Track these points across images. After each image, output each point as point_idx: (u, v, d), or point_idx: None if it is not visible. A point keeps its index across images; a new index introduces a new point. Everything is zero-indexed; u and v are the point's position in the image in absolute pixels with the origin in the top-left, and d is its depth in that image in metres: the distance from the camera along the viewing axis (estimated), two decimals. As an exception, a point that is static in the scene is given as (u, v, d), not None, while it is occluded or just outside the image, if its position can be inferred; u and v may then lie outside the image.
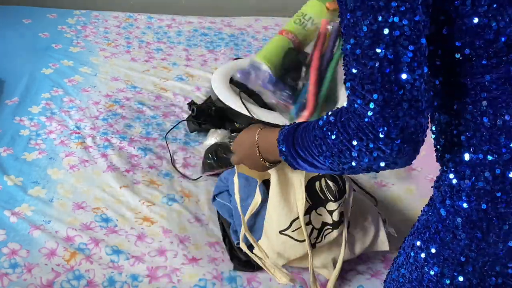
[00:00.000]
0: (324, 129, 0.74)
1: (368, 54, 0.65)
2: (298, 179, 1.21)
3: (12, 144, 1.69)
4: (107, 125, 1.83)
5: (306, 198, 1.21)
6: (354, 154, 0.70)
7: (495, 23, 0.67)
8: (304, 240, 1.22)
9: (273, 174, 1.21)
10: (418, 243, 0.80)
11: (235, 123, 1.82)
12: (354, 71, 0.67)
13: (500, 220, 0.71)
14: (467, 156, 0.72)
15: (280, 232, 1.24)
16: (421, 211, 0.85)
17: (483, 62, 0.69)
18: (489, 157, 0.70)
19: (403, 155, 0.68)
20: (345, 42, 0.68)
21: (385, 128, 0.65)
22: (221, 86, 1.91)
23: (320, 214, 1.26)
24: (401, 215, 1.55)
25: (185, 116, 1.91)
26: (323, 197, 1.26)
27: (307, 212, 1.24)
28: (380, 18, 0.63)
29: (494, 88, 0.69)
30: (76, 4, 2.87)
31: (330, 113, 0.75)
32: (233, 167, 1.48)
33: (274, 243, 1.25)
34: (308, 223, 1.24)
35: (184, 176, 1.63)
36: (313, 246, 1.24)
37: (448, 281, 0.76)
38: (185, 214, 1.47)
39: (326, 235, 1.26)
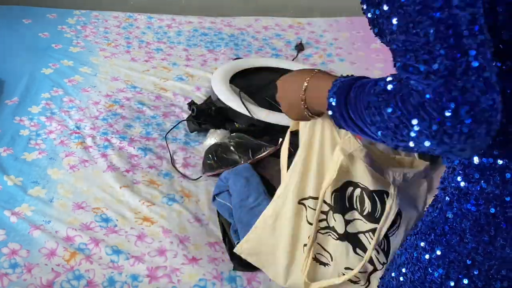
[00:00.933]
0: (380, 98, 0.63)
1: (420, 20, 0.57)
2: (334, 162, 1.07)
3: (12, 144, 1.69)
4: (107, 125, 1.83)
5: (333, 194, 1.08)
6: (413, 134, 0.59)
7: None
8: (311, 223, 1.11)
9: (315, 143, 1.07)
10: (422, 244, 0.80)
11: (235, 123, 1.82)
12: (404, 46, 0.59)
13: (508, 224, 0.71)
14: (476, 160, 0.71)
15: (299, 201, 1.12)
16: (425, 211, 0.85)
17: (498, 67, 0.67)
18: (499, 162, 0.70)
19: (474, 139, 0.56)
20: (388, 19, 0.60)
21: (452, 104, 0.55)
22: (221, 86, 1.91)
23: (335, 219, 1.11)
24: (401, 215, 1.55)
25: (185, 116, 1.91)
26: (347, 205, 1.10)
27: (330, 207, 1.10)
28: None
29: (509, 92, 0.68)
30: (76, 4, 2.87)
31: (389, 77, 0.64)
32: (233, 166, 1.47)
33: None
34: (325, 212, 1.11)
35: (184, 176, 1.63)
36: (316, 231, 1.12)
37: (452, 283, 0.76)
38: (185, 214, 1.47)
39: (329, 234, 1.13)
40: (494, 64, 0.59)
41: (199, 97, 2.05)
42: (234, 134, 1.72)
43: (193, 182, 1.61)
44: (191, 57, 2.39)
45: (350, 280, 1.12)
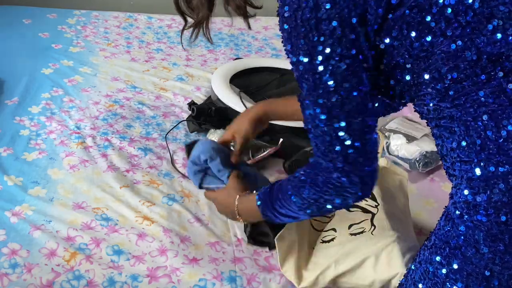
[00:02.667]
0: (298, 188, 0.88)
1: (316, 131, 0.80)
2: None
3: (12, 144, 1.69)
4: (107, 125, 1.83)
5: None
6: (329, 198, 0.85)
7: (472, 44, 0.69)
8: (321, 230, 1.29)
9: None
10: (438, 258, 0.80)
11: (235, 123, 1.82)
12: (312, 137, 0.82)
13: None
14: (478, 171, 0.73)
15: None
16: (437, 224, 0.84)
17: (473, 81, 0.70)
18: (501, 169, 0.71)
19: (364, 191, 0.84)
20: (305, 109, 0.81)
21: (348, 178, 0.81)
22: (221, 86, 1.91)
23: None
24: (401, 215, 1.55)
25: (185, 116, 1.91)
26: None
27: None
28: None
29: (491, 102, 0.70)
30: (76, 4, 2.87)
31: (299, 172, 0.89)
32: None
33: None
34: None
35: (184, 176, 1.63)
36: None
37: None
38: (185, 214, 1.47)
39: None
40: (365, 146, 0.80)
41: (199, 97, 2.05)
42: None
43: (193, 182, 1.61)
44: (191, 57, 2.39)
45: (358, 233, 1.24)
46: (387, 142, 1.77)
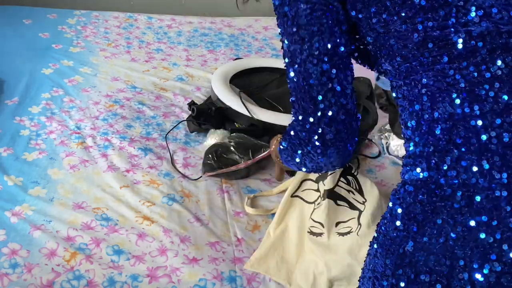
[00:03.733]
0: (283, 137, 0.92)
1: (289, 71, 0.81)
2: None
3: (12, 144, 1.69)
4: (107, 125, 1.83)
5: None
6: (299, 157, 0.87)
7: (422, 27, 0.72)
8: (312, 202, 1.30)
9: None
10: (375, 234, 0.82)
11: (235, 123, 1.82)
12: (288, 86, 0.82)
13: (434, 213, 0.72)
14: (411, 149, 0.77)
15: (292, 195, 1.31)
16: None
17: (420, 62, 0.73)
18: (427, 149, 0.74)
19: (328, 157, 0.83)
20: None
21: (307, 134, 0.82)
22: (221, 86, 1.91)
23: (324, 184, 1.33)
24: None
25: (185, 116, 1.91)
26: None
27: (317, 181, 1.33)
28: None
29: (431, 84, 0.73)
30: (76, 4, 2.87)
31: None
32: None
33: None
34: (317, 190, 1.32)
35: (184, 176, 1.63)
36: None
37: (390, 273, 0.76)
38: (185, 214, 1.47)
39: (317, 203, 1.33)
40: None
41: (199, 97, 2.05)
42: (234, 134, 1.72)
43: (193, 182, 1.61)
44: (191, 57, 2.39)
45: (345, 233, 1.27)
46: (387, 143, 1.77)
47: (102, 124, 1.83)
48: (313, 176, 1.37)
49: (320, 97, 0.78)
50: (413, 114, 0.76)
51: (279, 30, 0.83)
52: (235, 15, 2.92)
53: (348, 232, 1.27)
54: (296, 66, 0.79)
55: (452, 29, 0.70)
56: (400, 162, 1.72)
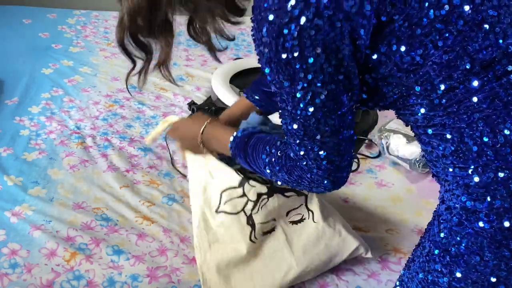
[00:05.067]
0: (273, 163, 0.89)
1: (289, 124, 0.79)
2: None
3: (12, 144, 1.69)
4: (107, 125, 1.83)
5: (236, 170, 1.23)
6: (295, 178, 0.86)
7: (465, 53, 0.68)
8: (238, 212, 1.22)
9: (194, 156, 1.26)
10: (437, 266, 0.78)
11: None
12: (294, 126, 0.79)
13: None
14: (476, 178, 0.72)
15: (216, 211, 1.23)
16: (428, 230, 0.83)
17: (466, 88, 0.69)
18: (500, 174, 0.70)
19: (333, 184, 0.84)
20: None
21: (314, 163, 0.81)
22: (221, 86, 1.91)
23: (253, 186, 1.24)
24: (401, 215, 1.55)
25: (185, 116, 1.91)
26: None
27: (240, 185, 1.24)
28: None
29: (485, 107, 0.69)
30: (76, 4, 2.87)
31: (277, 147, 0.89)
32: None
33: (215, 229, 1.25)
34: (242, 195, 1.23)
35: (184, 176, 1.63)
36: (249, 217, 1.23)
37: None
38: (185, 214, 1.47)
39: (262, 206, 1.24)
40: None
41: (199, 97, 2.05)
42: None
43: (193, 182, 1.61)
44: (191, 57, 2.39)
45: (298, 221, 1.28)
46: (387, 142, 1.77)
47: (102, 124, 1.83)
48: (234, 182, 1.25)
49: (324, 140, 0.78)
50: (467, 143, 0.71)
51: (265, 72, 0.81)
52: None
53: (301, 220, 1.28)
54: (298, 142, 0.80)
55: (495, 48, 0.68)
56: (400, 162, 1.72)
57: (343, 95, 0.73)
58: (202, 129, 1.11)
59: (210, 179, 1.24)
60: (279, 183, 0.91)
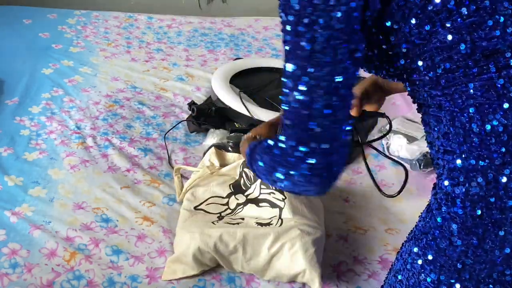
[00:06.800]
0: (263, 150, 0.83)
1: (289, 94, 0.75)
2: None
3: (13, 144, 1.69)
4: (107, 125, 1.83)
5: (230, 186, 1.41)
6: (279, 176, 0.78)
7: (469, 38, 0.69)
8: (215, 213, 1.36)
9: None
10: (415, 249, 0.80)
11: (235, 123, 1.82)
12: (284, 107, 0.76)
13: (495, 226, 0.71)
14: (459, 162, 0.73)
15: (195, 207, 1.37)
16: (419, 217, 0.85)
17: (465, 73, 0.70)
18: (481, 163, 0.71)
19: (314, 185, 0.76)
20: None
21: (296, 160, 0.74)
22: (221, 86, 1.91)
23: (237, 199, 1.41)
24: (401, 215, 1.55)
25: (185, 116, 1.91)
26: (248, 185, 1.43)
27: (227, 196, 1.40)
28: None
29: (479, 95, 0.70)
30: (76, 4, 2.87)
31: (274, 136, 0.84)
32: None
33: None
34: (225, 204, 1.39)
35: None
36: (221, 217, 1.37)
37: None
38: (185, 214, 1.47)
39: (237, 212, 1.37)
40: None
41: (199, 97, 2.05)
42: (232, 134, 1.72)
43: (193, 182, 1.61)
44: (191, 57, 2.39)
45: (263, 224, 1.31)
46: (387, 143, 1.77)
47: (102, 124, 1.83)
48: (223, 193, 1.42)
49: (319, 129, 0.72)
50: (457, 126, 0.72)
51: (281, 35, 0.78)
52: (235, 15, 2.92)
53: (268, 224, 1.31)
54: (299, 93, 0.72)
55: (500, 39, 0.68)
56: (401, 162, 1.71)
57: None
58: (245, 150, 1.08)
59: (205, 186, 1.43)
60: (274, 185, 0.86)
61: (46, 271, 1.25)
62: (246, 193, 1.40)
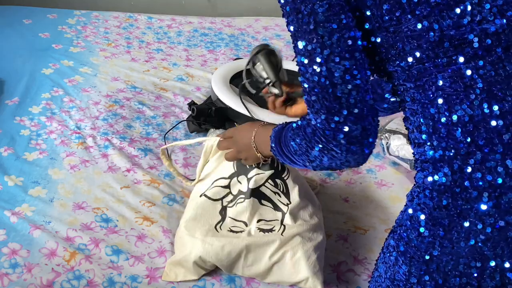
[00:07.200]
0: (293, 132, 0.86)
1: (308, 70, 0.75)
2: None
3: (13, 144, 1.70)
4: (108, 125, 1.83)
5: (233, 164, 1.31)
6: (316, 154, 0.81)
7: (437, 26, 0.70)
8: (217, 200, 1.31)
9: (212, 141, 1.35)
10: (392, 242, 0.81)
11: (235, 123, 1.82)
12: (305, 85, 0.77)
13: (460, 217, 0.71)
14: (429, 154, 0.75)
15: (200, 195, 1.33)
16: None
17: (434, 63, 0.71)
18: (447, 153, 0.72)
19: (352, 154, 0.78)
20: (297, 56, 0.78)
21: (332, 132, 0.76)
22: (221, 86, 1.91)
23: (239, 182, 1.31)
24: (401, 215, 1.55)
25: (185, 116, 1.92)
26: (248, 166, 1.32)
27: (229, 177, 1.32)
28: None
29: (447, 85, 0.71)
30: (76, 4, 2.88)
31: (301, 117, 0.86)
32: None
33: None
34: (227, 186, 1.32)
35: (184, 176, 1.63)
36: (223, 208, 1.31)
37: (415, 280, 0.76)
38: (185, 214, 1.47)
39: (238, 203, 1.30)
40: (364, 97, 0.76)
41: (199, 97, 2.06)
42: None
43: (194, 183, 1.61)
44: (191, 57, 2.40)
45: (267, 230, 1.28)
46: (387, 143, 1.77)
47: (102, 124, 1.83)
48: (226, 173, 1.33)
49: (345, 96, 0.74)
50: (427, 118, 0.74)
51: (287, 29, 0.78)
52: (235, 15, 2.92)
53: (270, 230, 1.28)
54: (317, 66, 0.74)
55: (468, 28, 0.69)
56: (401, 163, 1.72)
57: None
58: (254, 133, 1.10)
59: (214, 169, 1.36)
60: (310, 165, 0.87)
61: (46, 271, 1.25)
62: (249, 175, 1.30)
